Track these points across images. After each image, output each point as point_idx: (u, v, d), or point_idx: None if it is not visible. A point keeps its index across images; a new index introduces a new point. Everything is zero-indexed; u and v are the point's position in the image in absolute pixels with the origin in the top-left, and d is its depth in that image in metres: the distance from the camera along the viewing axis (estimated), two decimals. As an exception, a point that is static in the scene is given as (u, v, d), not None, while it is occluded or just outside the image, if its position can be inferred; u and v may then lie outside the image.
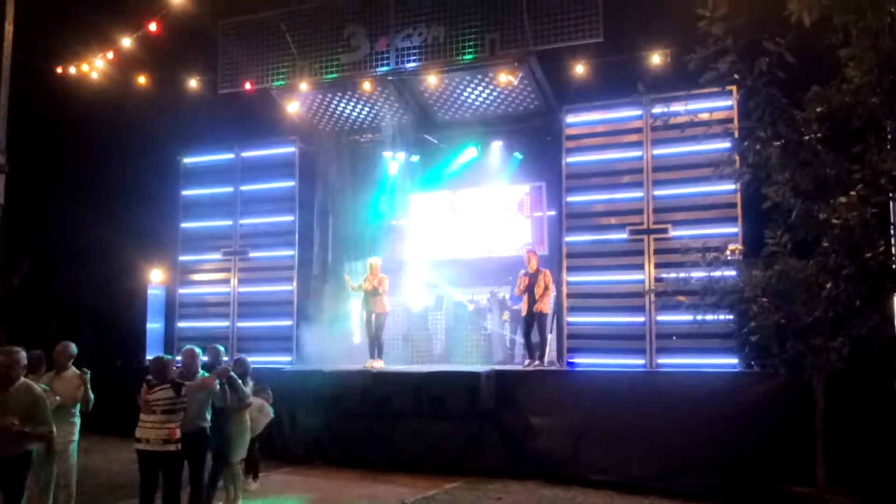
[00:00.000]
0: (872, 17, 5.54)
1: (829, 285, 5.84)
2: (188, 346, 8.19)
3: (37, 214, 16.04)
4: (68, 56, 13.77)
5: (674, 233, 10.96)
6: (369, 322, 12.53)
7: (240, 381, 8.25)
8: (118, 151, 15.60)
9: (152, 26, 12.48)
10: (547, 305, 11.90)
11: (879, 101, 5.70)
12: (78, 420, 7.85)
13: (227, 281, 13.97)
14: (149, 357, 14.13)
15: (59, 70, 13.80)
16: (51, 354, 7.87)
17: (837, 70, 5.80)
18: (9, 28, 11.35)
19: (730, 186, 9.84)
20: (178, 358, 8.40)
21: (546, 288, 11.83)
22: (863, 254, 5.77)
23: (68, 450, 7.67)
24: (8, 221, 11.39)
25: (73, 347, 7.86)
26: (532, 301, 11.88)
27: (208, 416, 7.83)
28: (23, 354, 6.42)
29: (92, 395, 7.70)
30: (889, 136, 5.93)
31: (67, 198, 15.93)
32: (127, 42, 13.06)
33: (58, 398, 7.39)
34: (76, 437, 7.82)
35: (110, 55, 13.44)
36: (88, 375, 7.66)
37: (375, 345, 12.48)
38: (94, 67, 13.61)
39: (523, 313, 12.19)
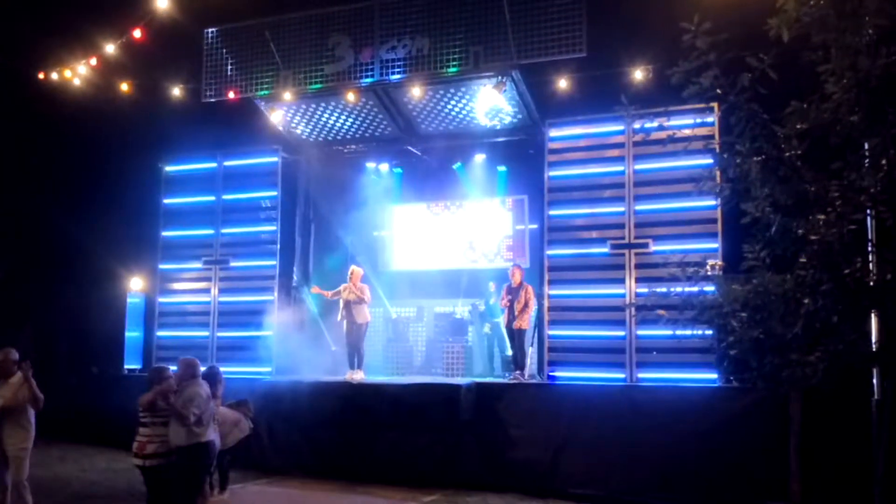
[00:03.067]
0: (851, 36, 5.62)
1: (806, 301, 5.89)
2: (185, 357, 7.99)
3: (16, 219, 15.89)
4: (51, 61, 13.69)
5: (654, 247, 11.02)
6: (350, 332, 12.47)
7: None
8: (99, 158, 15.49)
9: (136, 33, 12.42)
10: (526, 322, 11.95)
11: (858, 119, 5.77)
12: (32, 426, 7.68)
13: (207, 290, 13.87)
14: (127, 366, 14.07)
15: (42, 75, 13.70)
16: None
17: (818, 86, 5.87)
18: (-10, 32, 11.30)
19: (710, 202, 9.93)
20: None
21: (526, 304, 11.87)
22: (841, 270, 5.83)
23: (21, 456, 7.53)
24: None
25: (15, 353, 7.73)
26: (511, 317, 11.93)
27: (211, 430, 7.52)
28: None
29: (40, 393, 7.57)
30: (867, 154, 6.00)
31: (47, 203, 15.78)
32: (110, 48, 12.99)
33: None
34: (30, 444, 7.66)
35: (93, 61, 13.36)
36: (30, 371, 7.53)
37: (356, 356, 12.42)
38: (76, 73, 13.53)
39: (504, 325, 12.25)
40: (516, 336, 12.01)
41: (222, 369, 12.76)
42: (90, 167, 15.73)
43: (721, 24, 5.98)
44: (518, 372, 11.86)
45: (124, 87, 14.03)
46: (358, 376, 12.15)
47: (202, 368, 8.05)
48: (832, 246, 5.77)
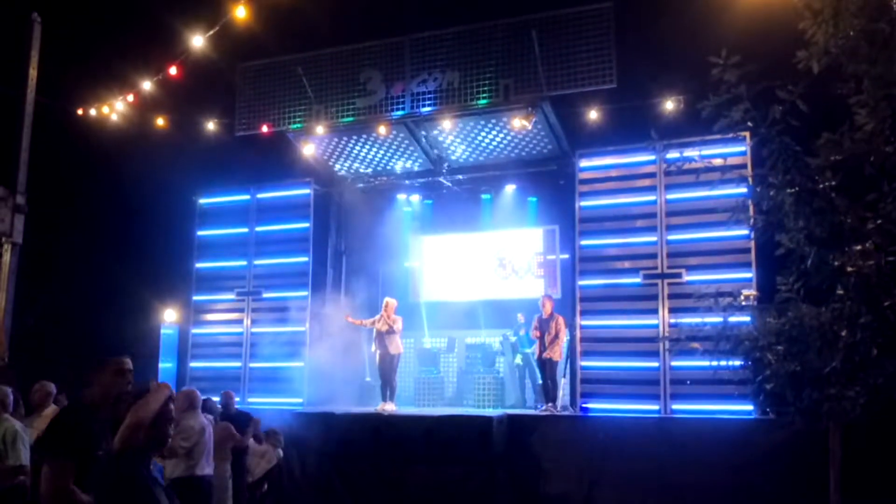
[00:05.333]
0: (884, 66, 5.57)
1: (844, 333, 5.79)
2: (185, 388, 7.98)
3: (54, 253, 16.18)
4: (89, 99, 14.00)
5: (688, 277, 10.93)
6: (382, 363, 12.47)
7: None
8: (136, 192, 15.76)
9: (172, 70, 12.67)
10: (557, 353, 11.85)
11: (893, 150, 5.70)
12: None
13: (240, 321, 13.98)
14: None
15: (80, 112, 14.01)
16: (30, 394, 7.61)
17: (850, 116, 5.82)
18: (32, 73, 11.60)
19: (743, 231, 9.81)
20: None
21: (556, 336, 11.78)
22: (880, 302, 5.72)
23: None
24: (26, 260, 11.50)
25: (52, 386, 7.61)
26: (542, 347, 11.86)
27: (204, 463, 7.27)
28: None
29: None
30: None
31: (84, 237, 16.07)
32: (147, 85, 13.26)
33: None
34: None
35: (130, 98, 13.65)
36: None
37: (388, 387, 12.41)
38: (114, 110, 13.82)
39: (535, 356, 12.18)
40: (547, 367, 11.93)
41: (255, 400, 12.94)
42: (126, 201, 16.01)
43: (749, 55, 5.97)
44: (550, 404, 11.77)
45: (160, 122, 14.31)
46: (389, 408, 12.13)
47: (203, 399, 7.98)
48: (870, 278, 5.67)
